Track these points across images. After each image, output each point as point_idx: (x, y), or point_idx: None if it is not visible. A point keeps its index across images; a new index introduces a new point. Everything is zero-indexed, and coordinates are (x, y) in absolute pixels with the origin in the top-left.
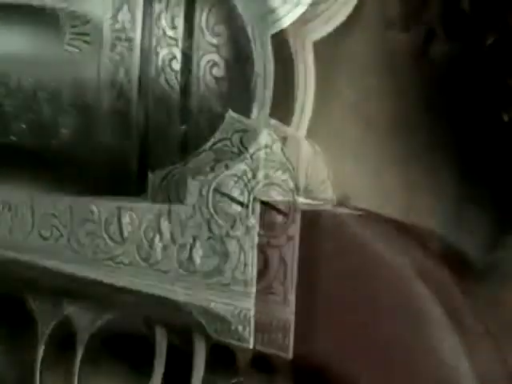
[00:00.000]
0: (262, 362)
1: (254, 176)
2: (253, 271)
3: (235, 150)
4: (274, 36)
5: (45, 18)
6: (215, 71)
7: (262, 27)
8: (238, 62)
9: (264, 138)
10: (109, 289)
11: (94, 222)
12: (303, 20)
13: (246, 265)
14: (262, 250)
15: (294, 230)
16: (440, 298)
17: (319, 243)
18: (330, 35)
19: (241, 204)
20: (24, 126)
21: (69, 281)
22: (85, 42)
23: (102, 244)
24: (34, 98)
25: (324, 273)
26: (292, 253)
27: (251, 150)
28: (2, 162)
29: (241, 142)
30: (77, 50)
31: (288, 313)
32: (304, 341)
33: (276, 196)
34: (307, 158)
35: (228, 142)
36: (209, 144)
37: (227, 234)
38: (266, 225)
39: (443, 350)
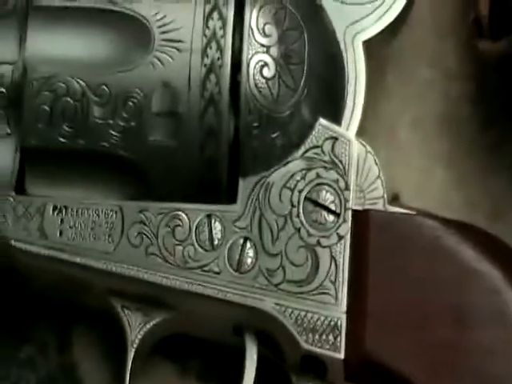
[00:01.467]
0: (313, 363)
1: (347, 185)
2: (343, 281)
3: (326, 158)
4: (325, 34)
5: (133, 24)
6: (305, 79)
7: (352, 34)
8: (328, 69)
9: (356, 147)
10: (197, 297)
11: (183, 230)
12: (354, 19)
13: (336, 274)
14: (313, 249)
15: (345, 229)
16: None
17: (371, 242)
18: (380, 34)
19: (333, 213)
20: (115, 134)
21: (158, 289)
22: (175, 48)
23: (192, 252)
24: (124, 105)
25: (375, 272)
26: (343, 252)
27: (343, 159)
28: (91, 169)
29: (332, 150)
30: (167, 57)
31: (339, 312)
32: (356, 340)
33: (326, 195)
34: (358, 157)
35: (319, 150)
36: (299, 152)
37: (318, 243)
38: (316, 224)
39: None
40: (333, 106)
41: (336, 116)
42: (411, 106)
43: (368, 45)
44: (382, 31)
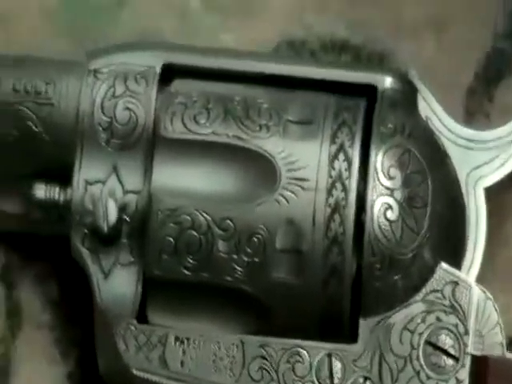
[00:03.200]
0: None
1: (466, 330)
2: None
3: (446, 302)
4: (448, 178)
5: (259, 161)
6: (428, 222)
7: (474, 180)
8: (450, 213)
9: (476, 292)
10: None
11: (304, 367)
12: (476, 165)
13: None
14: None
15: (464, 373)
16: None
17: None
18: (501, 181)
19: (452, 357)
20: (239, 268)
21: None
22: (300, 187)
23: None
24: (248, 240)
25: None
26: None
27: (463, 304)
28: (213, 301)
29: (452, 294)
30: (292, 195)
31: None
32: None
33: (446, 339)
34: (478, 302)
35: (439, 294)
36: (420, 295)
37: None
38: (435, 367)
39: None
40: (454, 249)
41: (456, 260)
42: None
43: (489, 190)
44: (503, 178)
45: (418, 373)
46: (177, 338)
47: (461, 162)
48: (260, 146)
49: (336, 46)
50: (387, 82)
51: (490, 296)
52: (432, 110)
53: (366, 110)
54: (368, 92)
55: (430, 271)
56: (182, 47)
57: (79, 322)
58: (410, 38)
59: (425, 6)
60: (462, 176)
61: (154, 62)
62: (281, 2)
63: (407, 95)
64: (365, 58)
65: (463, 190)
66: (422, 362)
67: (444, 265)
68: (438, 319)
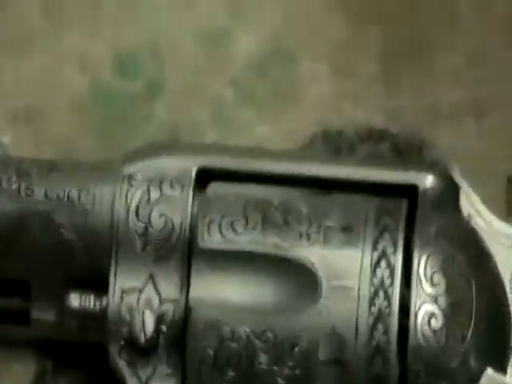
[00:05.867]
0: None
1: None
2: None
3: None
4: (492, 280)
5: (299, 270)
6: (473, 329)
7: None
8: (494, 317)
9: None
10: None
11: None
12: None
13: None
14: None
15: None
16: None
17: None
18: None
19: None
20: (280, 381)
21: None
22: (342, 296)
23: None
24: (290, 351)
25: None
26: None
27: None
28: None
29: None
30: (334, 304)
31: None
32: None
33: None
34: None
35: None
36: None
37: None
38: None
39: None
40: (499, 353)
41: (503, 364)
42: None
43: None
44: None
45: None
46: None
47: (504, 260)
48: (300, 256)
49: (373, 135)
50: (428, 180)
51: None
52: (474, 208)
53: (407, 210)
54: (409, 191)
55: (475, 377)
56: (218, 148)
57: None
58: (449, 124)
59: (464, 89)
60: (506, 275)
61: (189, 165)
62: (317, 92)
63: (449, 194)
64: (403, 147)
65: (507, 289)
66: None
67: (490, 370)
68: None
